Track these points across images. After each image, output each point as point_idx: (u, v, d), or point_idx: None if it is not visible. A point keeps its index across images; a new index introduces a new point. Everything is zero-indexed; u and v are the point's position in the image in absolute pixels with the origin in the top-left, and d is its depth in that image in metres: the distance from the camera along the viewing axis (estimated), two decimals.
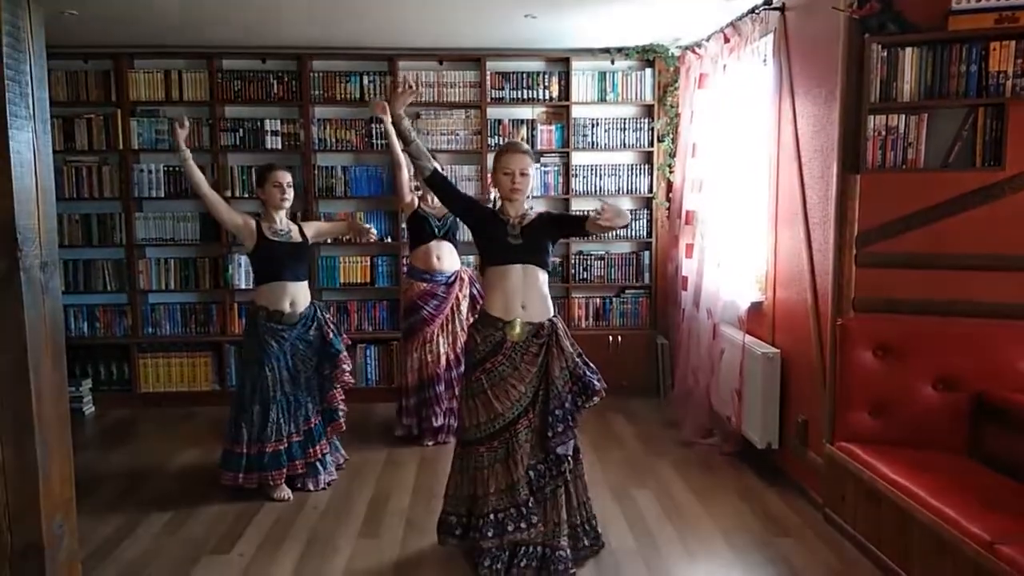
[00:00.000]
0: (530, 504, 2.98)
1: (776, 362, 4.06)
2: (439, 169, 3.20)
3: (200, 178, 3.89)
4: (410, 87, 3.19)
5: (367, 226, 4.24)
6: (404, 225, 5.46)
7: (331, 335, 4.04)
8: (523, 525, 2.97)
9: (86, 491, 3.92)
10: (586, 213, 3.11)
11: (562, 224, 3.31)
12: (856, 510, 3.25)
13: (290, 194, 4.01)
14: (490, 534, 2.99)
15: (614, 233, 5.74)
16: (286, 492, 3.89)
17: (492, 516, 3.00)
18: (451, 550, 3.24)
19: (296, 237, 4.02)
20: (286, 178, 4.00)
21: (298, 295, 3.96)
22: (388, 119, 4.70)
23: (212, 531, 3.54)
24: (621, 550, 3.31)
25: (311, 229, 4.17)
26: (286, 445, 3.88)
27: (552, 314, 3.12)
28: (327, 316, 4.12)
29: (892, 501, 2.94)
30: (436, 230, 4.68)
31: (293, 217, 4.18)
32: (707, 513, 3.67)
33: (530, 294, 3.06)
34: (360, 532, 3.54)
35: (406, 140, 3.14)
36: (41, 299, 1.32)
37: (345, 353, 4.09)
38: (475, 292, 4.82)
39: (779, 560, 3.20)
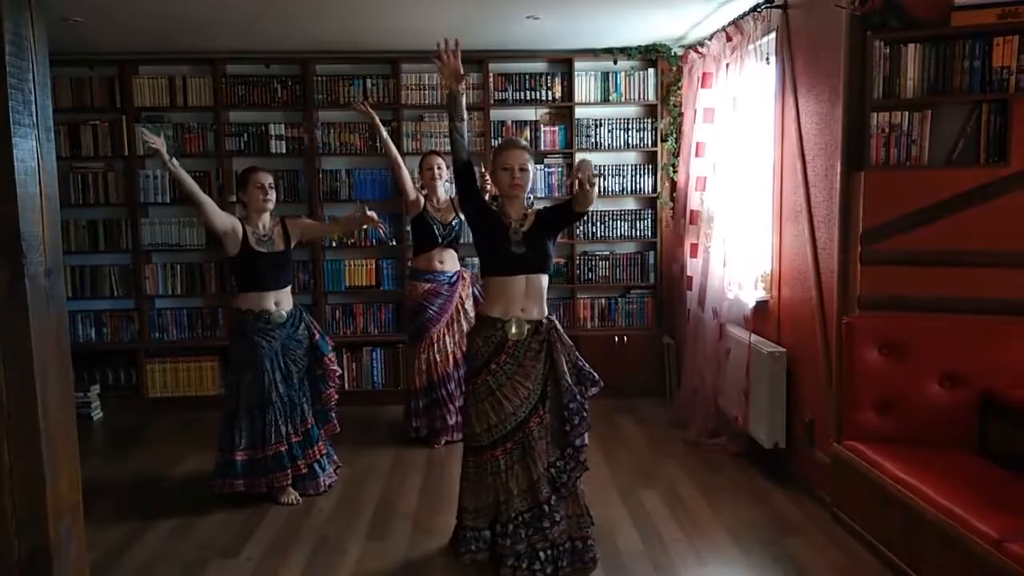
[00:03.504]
0: (552, 501, 2.97)
1: (782, 361, 4.06)
2: (473, 164, 3.17)
3: (192, 183, 3.80)
4: (452, 59, 3.08)
5: (370, 215, 4.13)
6: (408, 228, 5.49)
7: (317, 337, 4.04)
8: (546, 524, 2.95)
9: (94, 496, 3.94)
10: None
11: (556, 214, 3.20)
12: (864, 509, 3.24)
13: (272, 195, 3.97)
14: (522, 535, 2.96)
15: (619, 233, 5.77)
16: (293, 495, 3.89)
17: (519, 518, 2.98)
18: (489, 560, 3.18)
19: (279, 244, 3.98)
20: (267, 179, 3.96)
21: (282, 298, 3.96)
22: (378, 122, 4.73)
23: (220, 535, 3.55)
24: (628, 551, 3.31)
25: (297, 229, 4.11)
26: (287, 447, 3.87)
27: (547, 313, 3.13)
28: (312, 320, 4.11)
29: (899, 500, 2.93)
30: (440, 238, 4.70)
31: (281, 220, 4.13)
32: (714, 513, 3.67)
33: (531, 300, 3.07)
34: (368, 535, 3.54)
35: (462, 116, 3.07)
36: (46, 306, 1.33)
37: (332, 354, 4.08)
38: (476, 293, 4.82)
39: (787, 559, 3.19)
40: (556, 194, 5.71)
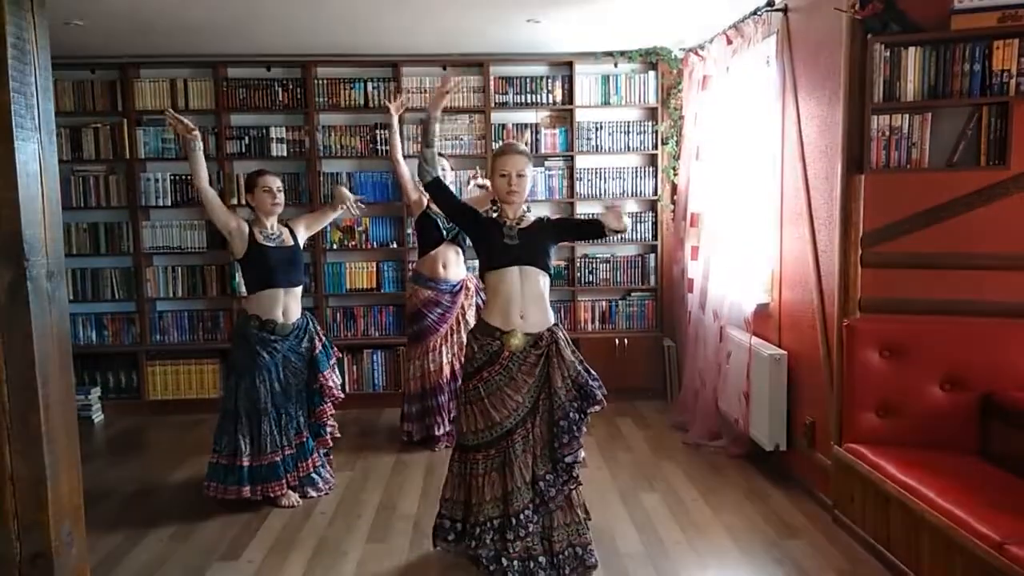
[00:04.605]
0: (521, 517, 2.97)
1: (783, 363, 4.06)
2: (441, 178, 3.21)
3: (204, 171, 3.77)
4: (447, 91, 3.23)
5: (348, 194, 4.06)
6: (410, 230, 5.51)
7: (319, 350, 3.99)
8: (510, 536, 2.97)
9: (95, 499, 3.94)
10: (593, 216, 3.12)
11: (563, 227, 3.30)
12: (865, 511, 3.24)
13: (280, 198, 3.95)
14: (487, 541, 3.00)
15: (619, 236, 5.74)
16: (294, 498, 3.89)
17: (487, 523, 3.01)
18: (458, 554, 3.24)
19: (288, 241, 3.96)
20: (275, 182, 3.94)
21: (291, 303, 3.92)
22: (395, 122, 4.76)
23: (221, 538, 3.56)
24: (629, 553, 3.31)
25: (301, 227, 4.08)
26: (281, 457, 3.85)
27: (552, 322, 3.10)
28: (318, 329, 4.07)
29: (901, 502, 2.93)
30: (445, 232, 4.68)
31: (285, 222, 4.10)
32: (715, 515, 3.67)
33: (529, 301, 3.03)
34: (368, 537, 3.54)
35: (429, 143, 3.17)
36: (48, 308, 1.33)
37: (329, 371, 4.02)
38: (480, 302, 4.82)
39: (788, 561, 3.19)
40: (556, 197, 5.72)
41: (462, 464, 3.12)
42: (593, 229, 3.15)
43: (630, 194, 5.75)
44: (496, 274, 3.06)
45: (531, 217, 3.17)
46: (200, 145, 3.77)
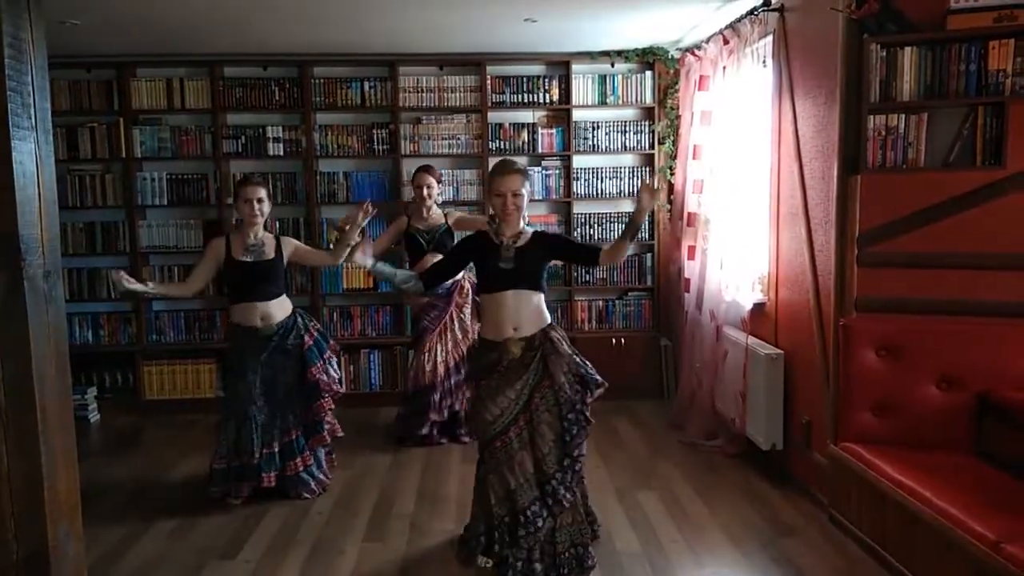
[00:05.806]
0: (528, 513, 2.98)
1: (779, 363, 4.06)
2: (420, 275, 3.32)
3: (170, 291, 3.98)
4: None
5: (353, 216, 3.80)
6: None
7: (308, 344, 3.95)
8: (521, 532, 2.98)
9: (92, 499, 3.93)
10: (594, 243, 3.17)
11: (559, 248, 3.34)
12: (861, 510, 3.24)
13: (261, 209, 3.87)
14: (506, 541, 3.03)
15: (616, 235, 5.75)
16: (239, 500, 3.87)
17: (500, 525, 3.04)
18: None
19: (269, 253, 3.90)
20: (256, 193, 3.86)
21: (271, 311, 3.89)
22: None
23: (218, 537, 3.55)
24: (626, 552, 3.31)
25: (289, 248, 4.01)
26: (257, 458, 3.82)
27: (547, 324, 3.14)
28: (310, 324, 4.04)
29: (897, 501, 2.94)
30: (425, 244, 4.75)
31: (276, 236, 4.08)
32: (712, 514, 3.67)
33: (523, 317, 3.09)
34: (365, 536, 3.54)
35: (391, 281, 3.30)
36: (45, 308, 1.33)
37: (319, 364, 3.96)
38: (477, 300, 4.84)
39: (784, 561, 3.20)
40: (553, 196, 5.71)
41: (478, 469, 3.17)
42: (587, 255, 3.27)
43: (627, 194, 5.74)
44: (491, 297, 3.13)
45: (528, 232, 3.18)
46: (144, 290, 3.73)
